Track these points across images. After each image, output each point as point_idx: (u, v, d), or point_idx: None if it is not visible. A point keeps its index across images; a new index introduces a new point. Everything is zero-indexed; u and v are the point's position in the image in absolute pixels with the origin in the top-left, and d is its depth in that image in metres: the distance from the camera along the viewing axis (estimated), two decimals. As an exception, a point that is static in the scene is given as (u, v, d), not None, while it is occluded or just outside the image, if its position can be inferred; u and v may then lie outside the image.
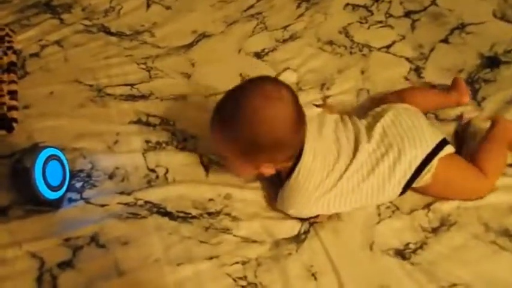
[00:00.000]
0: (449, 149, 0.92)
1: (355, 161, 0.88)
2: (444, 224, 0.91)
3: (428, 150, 0.90)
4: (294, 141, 0.83)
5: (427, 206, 0.94)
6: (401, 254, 0.88)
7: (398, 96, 1.03)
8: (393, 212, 0.93)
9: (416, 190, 0.94)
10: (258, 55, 1.21)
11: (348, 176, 0.87)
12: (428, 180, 0.90)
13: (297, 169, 0.85)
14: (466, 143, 1.03)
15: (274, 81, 0.84)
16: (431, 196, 0.94)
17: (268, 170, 0.86)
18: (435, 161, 0.89)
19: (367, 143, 0.90)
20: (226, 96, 0.84)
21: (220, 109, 0.83)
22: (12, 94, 1.08)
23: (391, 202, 0.95)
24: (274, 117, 0.78)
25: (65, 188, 0.93)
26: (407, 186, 0.90)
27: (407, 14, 1.30)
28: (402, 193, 0.92)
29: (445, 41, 1.23)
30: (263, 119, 0.78)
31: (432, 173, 0.89)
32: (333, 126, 0.93)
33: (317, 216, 0.91)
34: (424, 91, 1.12)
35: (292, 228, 0.92)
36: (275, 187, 0.93)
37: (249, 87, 0.82)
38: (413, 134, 0.90)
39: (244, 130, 0.79)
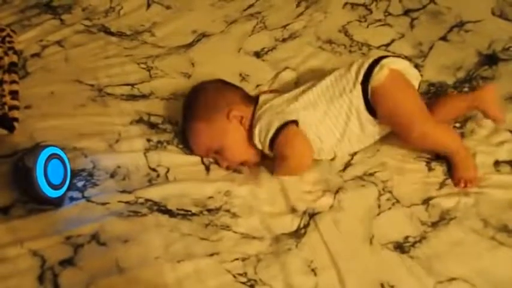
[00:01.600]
0: (400, 62, 0.98)
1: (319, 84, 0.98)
2: (444, 219, 0.92)
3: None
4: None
5: (427, 201, 0.94)
6: (400, 247, 0.89)
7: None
8: (393, 204, 0.94)
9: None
10: (258, 54, 1.21)
11: (314, 91, 0.98)
12: (381, 79, 0.94)
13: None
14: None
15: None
16: (384, 123, 0.97)
17: (238, 113, 0.98)
18: (385, 61, 0.95)
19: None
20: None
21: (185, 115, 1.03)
22: (14, 94, 1.08)
23: (390, 193, 0.95)
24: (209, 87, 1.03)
25: (66, 186, 0.93)
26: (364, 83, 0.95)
27: (406, 12, 1.30)
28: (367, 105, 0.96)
29: (444, 38, 1.24)
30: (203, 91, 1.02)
31: (384, 74, 0.94)
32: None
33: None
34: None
35: (291, 223, 0.92)
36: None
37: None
38: None
39: (200, 105, 1.00)
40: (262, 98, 1.02)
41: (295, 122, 0.95)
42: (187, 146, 1.02)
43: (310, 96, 0.98)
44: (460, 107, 1.03)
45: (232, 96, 1.00)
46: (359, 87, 0.95)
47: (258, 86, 1.15)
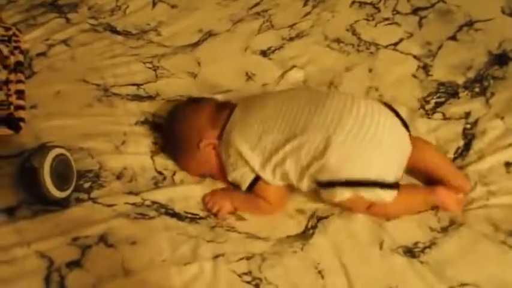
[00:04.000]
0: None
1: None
2: (454, 223, 0.91)
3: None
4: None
5: (436, 206, 0.93)
6: (410, 252, 0.88)
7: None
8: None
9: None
10: (265, 53, 1.20)
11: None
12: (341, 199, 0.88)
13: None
14: (474, 141, 1.02)
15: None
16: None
17: (208, 141, 0.94)
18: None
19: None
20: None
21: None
22: (20, 94, 1.08)
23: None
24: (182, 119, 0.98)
25: (72, 187, 0.93)
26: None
27: (415, 11, 1.29)
28: None
29: (453, 38, 1.22)
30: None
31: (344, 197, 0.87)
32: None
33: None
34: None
35: (298, 225, 0.91)
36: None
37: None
38: None
39: (173, 141, 0.98)
40: (231, 119, 0.94)
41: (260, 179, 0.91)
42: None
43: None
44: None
45: (196, 123, 0.95)
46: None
47: (264, 85, 1.14)
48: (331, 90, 0.96)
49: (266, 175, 0.90)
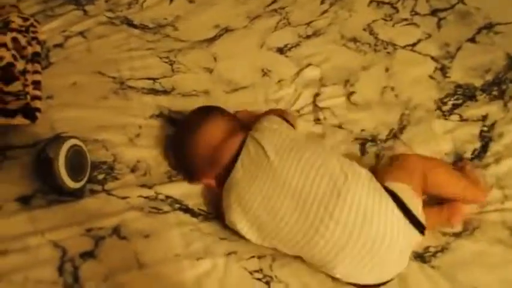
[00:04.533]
0: None
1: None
2: (467, 229, 0.90)
3: None
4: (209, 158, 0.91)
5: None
6: (421, 257, 0.87)
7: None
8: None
9: None
10: (281, 50, 1.20)
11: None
12: None
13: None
14: (491, 144, 1.01)
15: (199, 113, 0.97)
16: None
17: (205, 181, 0.94)
18: None
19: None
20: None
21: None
22: (36, 84, 1.08)
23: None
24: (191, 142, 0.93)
25: (86, 178, 0.94)
26: None
27: (434, 12, 1.27)
28: None
29: (472, 40, 1.21)
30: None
31: None
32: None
33: None
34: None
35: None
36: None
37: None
38: None
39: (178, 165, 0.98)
40: (241, 158, 0.88)
41: None
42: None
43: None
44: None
45: (200, 160, 0.91)
46: None
47: (279, 81, 1.14)
48: (350, 172, 0.83)
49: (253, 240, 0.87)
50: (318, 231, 0.80)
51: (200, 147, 0.91)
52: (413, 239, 0.83)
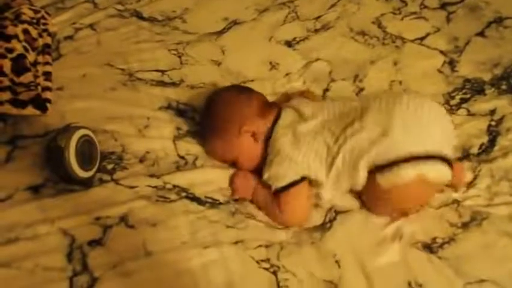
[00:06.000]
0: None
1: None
2: (475, 219, 0.90)
3: None
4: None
5: (457, 201, 0.92)
6: (429, 247, 0.87)
7: None
8: (421, 205, 0.92)
9: None
10: (289, 44, 1.20)
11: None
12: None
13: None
14: (498, 138, 1.01)
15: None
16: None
17: (250, 128, 0.95)
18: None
19: None
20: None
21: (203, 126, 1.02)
22: (47, 75, 1.09)
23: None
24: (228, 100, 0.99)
25: (96, 168, 0.95)
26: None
27: (443, 6, 1.27)
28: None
29: (481, 34, 1.20)
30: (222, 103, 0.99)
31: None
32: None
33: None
34: None
35: (317, 217, 0.92)
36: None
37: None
38: None
39: (213, 120, 0.99)
40: (283, 117, 0.96)
41: (305, 179, 0.91)
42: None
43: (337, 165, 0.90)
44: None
45: (245, 108, 0.96)
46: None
47: (287, 74, 1.14)
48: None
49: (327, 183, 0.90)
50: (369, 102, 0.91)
51: (253, 99, 0.99)
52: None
